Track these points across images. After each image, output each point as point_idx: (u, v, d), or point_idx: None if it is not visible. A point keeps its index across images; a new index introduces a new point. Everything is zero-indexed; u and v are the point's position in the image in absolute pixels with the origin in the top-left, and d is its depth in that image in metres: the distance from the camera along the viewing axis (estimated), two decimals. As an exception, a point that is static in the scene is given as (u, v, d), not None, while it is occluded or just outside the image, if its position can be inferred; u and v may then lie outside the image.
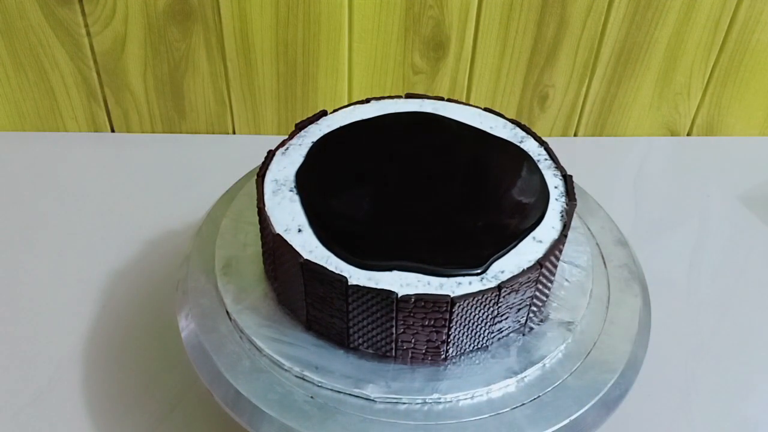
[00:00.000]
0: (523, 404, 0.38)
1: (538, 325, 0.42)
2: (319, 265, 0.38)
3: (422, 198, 0.42)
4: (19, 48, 0.67)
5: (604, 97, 0.74)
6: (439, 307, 0.36)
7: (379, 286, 0.37)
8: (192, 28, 0.67)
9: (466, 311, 0.37)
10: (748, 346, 0.57)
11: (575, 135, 0.77)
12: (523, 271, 0.38)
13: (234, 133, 0.75)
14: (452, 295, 0.36)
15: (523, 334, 0.41)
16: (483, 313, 0.38)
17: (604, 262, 0.47)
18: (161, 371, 0.52)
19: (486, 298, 0.37)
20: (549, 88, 0.73)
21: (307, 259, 0.38)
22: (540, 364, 0.40)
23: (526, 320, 0.41)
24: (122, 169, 0.70)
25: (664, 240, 0.66)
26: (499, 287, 0.37)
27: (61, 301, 0.57)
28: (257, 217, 0.42)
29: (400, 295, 0.36)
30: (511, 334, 0.41)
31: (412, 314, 0.37)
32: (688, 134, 0.79)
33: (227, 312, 0.42)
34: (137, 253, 0.61)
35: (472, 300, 0.37)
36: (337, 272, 0.37)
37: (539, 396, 0.39)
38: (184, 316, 0.43)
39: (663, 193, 0.72)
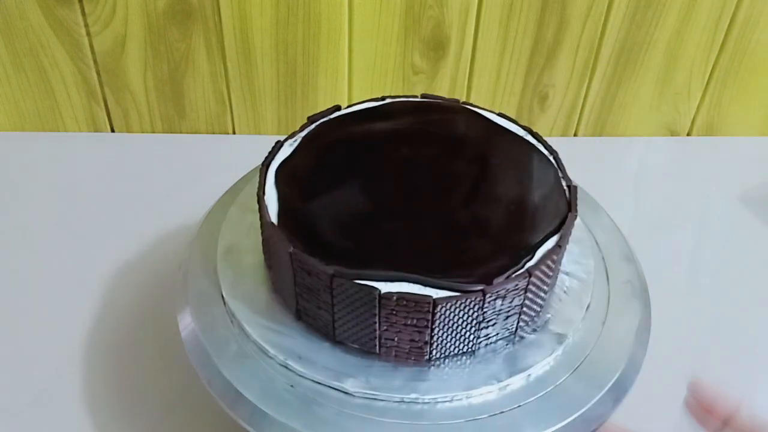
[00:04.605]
0: (502, 412, 0.38)
1: (530, 334, 0.41)
2: (305, 256, 0.38)
3: (418, 198, 0.42)
4: (19, 48, 0.67)
5: (604, 97, 0.74)
6: (422, 307, 0.36)
7: (362, 282, 0.37)
8: (192, 28, 0.67)
9: (449, 313, 0.37)
10: (748, 347, 0.57)
11: (575, 135, 0.77)
12: (510, 278, 0.37)
13: (234, 133, 0.75)
14: (434, 296, 0.36)
15: (513, 343, 0.41)
16: (467, 317, 0.38)
17: (607, 277, 0.46)
18: (161, 371, 0.52)
19: (470, 302, 0.37)
20: (549, 88, 0.73)
21: (295, 249, 0.38)
22: (525, 374, 0.39)
23: (516, 329, 0.41)
24: (122, 169, 0.70)
25: (664, 240, 0.66)
26: (483, 292, 0.37)
27: (61, 301, 0.57)
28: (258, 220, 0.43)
29: (382, 292, 0.36)
30: (499, 342, 0.41)
31: (394, 312, 0.37)
32: (688, 134, 0.79)
33: (222, 297, 0.43)
34: (137, 253, 0.61)
35: (455, 302, 0.36)
36: (322, 264, 0.37)
37: (519, 406, 0.38)
38: (187, 325, 0.43)
39: (663, 193, 0.72)
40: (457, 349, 0.40)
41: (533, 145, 0.46)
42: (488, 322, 0.39)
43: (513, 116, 0.48)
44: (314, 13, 0.66)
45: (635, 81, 0.73)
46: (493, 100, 0.73)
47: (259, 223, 0.43)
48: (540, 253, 0.39)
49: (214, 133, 0.74)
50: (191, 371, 0.42)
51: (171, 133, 0.74)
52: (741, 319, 0.59)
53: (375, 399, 0.38)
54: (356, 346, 0.40)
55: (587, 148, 0.76)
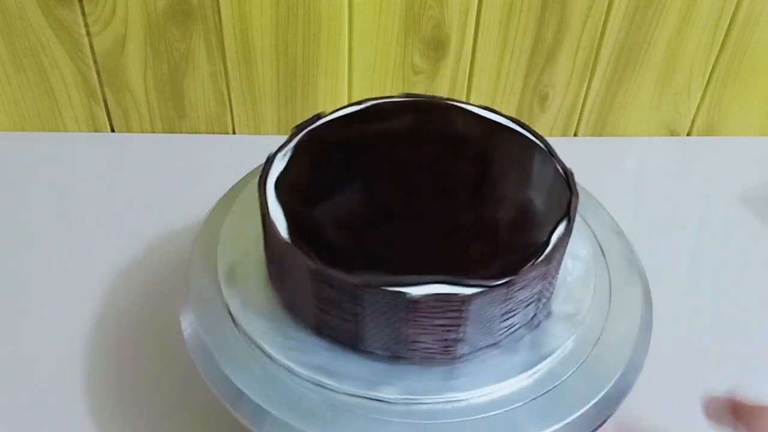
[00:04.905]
0: (534, 399, 0.39)
1: (545, 319, 0.42)
2: (329, 269, 0.37)
3: (424, 199, 0.42)
4: (19, 48, 0.67)
5: (604, 97, 0.74)
6: (452, 305, 0.36)
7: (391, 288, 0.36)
8: (192, 28, 0.67)
9: (479, 309, 0.37)
10: (748, 347, 0.57)
11: (575, 135, 0.77)
12: (534, 266, 0.38)
13: (234, 133, 0.75)
14: (464, 294, 0.36)
15: (531, 330, 0.41)
16: (495, 310, 0.38)
17: (603, 253, 0.47)
18: (161, 371, 0.52)
19: (498, 295, 0.37)
20: (549, 88, 0.73)
21: (317, 265, 0.37)
22: (550, 359, 0.40)
23: (534, 315, 0.41)
24: (122, 169, 0.70)
25: (664, 240, 0.66)
26: (510, 284, 0.37)
27: (61, 301, 0.57)
28: (260, 222, 0.42)
29: (412, 296, 0.36)
30: (520, 329, 0.41)
31: (424, 314, 0.37)
32: (688, 134, 0.79)
33: (233, 319, 0.42)
34: (137, 253, 0.61)
35: (484, 297, 0.37)
36: (348, 276, 0.37)
37: (548, 390, 0.39)
38: (189, 324, 0.43)
39: (663, 193, 0.72)
40: (484, 343, 0.40)
41: (520, 133, 0.46)
42: (512, 312, 0.39)
43: (513, 116, 0.48)
44: (314, 13, 0.66)
45: (635, 81, 0.73)
46: (493, 100, 0.73)
47: (257, 237, 0.43)
48: (554, 238, 0.40)
49: (214, 133, 0.74)
50: (192, 371, 0.42)
51: (171, 133, 0.74)
52: (741, 319, 0.59)
53: (413, 403, 0.38)
54: (383, 353, 0.39)
55: (587, 148, 0.76)
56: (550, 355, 0.40)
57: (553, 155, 0.45)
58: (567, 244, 0.41)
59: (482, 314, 0.38)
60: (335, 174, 0.43)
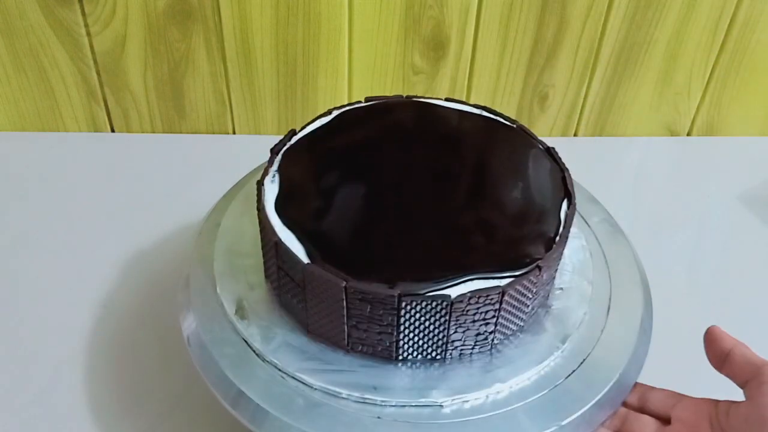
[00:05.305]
0: (574, 371, 0.40)
1: (556, 298, 0.43)
2: (365, 284, 0.37)
3: (424, 200, 0.42)
4: (19, 48, 0.67)
5: (604, 97, 0.74)
6: (491, 299, 0.37)
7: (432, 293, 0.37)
8: (192, 28, 0.67)
9: (513, 298, 0.38)
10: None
11: (575, 135, 0.77)
12: (555, 247, 0.39)
13: (234, 133, 0.75)
14: (501, 285, 0.37)
15: (547, 309, 0.42)
16: (525, 296, 0.39)
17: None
18: (161, 371, 0.52)
19: (529, 281, 0.38)
20: (549, 88, 0.73)
21: (351, 282, 0.37)
22: (576, 333, 0.41)
23: (548, 296, 0.42)
24: (122, 169, 0.70)
25: (664, 240, 0.66)
26: (538, 267, 0.38)
27: (61, 301, 0.57)
28: (261, 250, 0.42)
29: (453, 297, 0.36)
30: (538, 311, 0.42)
31: (464, 312, 0.37)
32: (688, 134, 0.79)
33: (256, 355, 0.41)
34: (137, 253, 0.61)
35: (518, 285, 0.37)
36: (386, 289, 0.36)
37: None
38: (189, 324, 0.43)
39: (663, 193, 0.72)
40: (514, 330, 0.41)
41: (494, 119, 0.47)
42: (536, 295, 0.40)
43: (513, 116, 0.48)
44: (314, 13, 0.66)
45: (635, 81, 0.73)
46: (493, 100, 0.73)
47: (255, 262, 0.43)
48: (563, 216, 0.41)
49: (214, 133, 0.74)
50: (192, 371, 0.42)
51: (171, 133, 0.74)
52: (741, 319, 0.59)
53: (464, 402, 0.38)
54: (420, 359, 0.39)
55: (587, 148, 0.76)
56: (573, 329, 0.41)
57: (527, 134, 0.46)
58: (573, 219, 0.42)
59: (514, 302, 0.38)
60: (328, 187, 0.43)
